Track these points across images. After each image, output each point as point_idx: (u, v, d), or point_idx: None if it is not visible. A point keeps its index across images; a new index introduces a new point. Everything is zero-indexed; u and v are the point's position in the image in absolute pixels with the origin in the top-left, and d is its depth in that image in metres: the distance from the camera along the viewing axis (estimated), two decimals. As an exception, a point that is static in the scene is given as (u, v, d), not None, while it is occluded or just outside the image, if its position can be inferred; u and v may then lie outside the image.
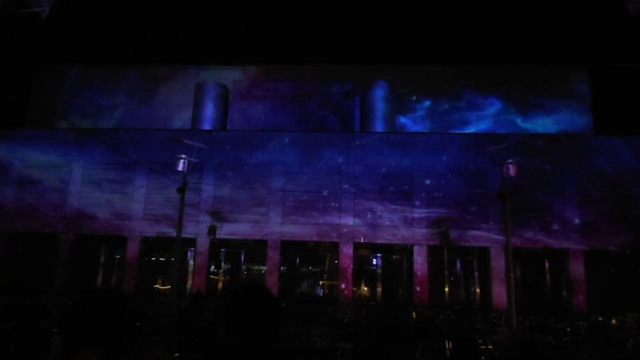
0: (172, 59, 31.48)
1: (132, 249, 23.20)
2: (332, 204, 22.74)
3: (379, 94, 27.36)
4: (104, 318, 1.93)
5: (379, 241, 22.76)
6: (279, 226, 22.63)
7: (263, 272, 23.35)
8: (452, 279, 24.17)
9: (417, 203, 22.48)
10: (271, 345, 2.01)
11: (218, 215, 22.90)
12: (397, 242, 22.79)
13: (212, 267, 24.31)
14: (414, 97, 28.09)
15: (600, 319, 17.27)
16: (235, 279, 24.81)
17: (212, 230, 22.43)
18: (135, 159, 23.71)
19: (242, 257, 24.95)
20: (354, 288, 23.11)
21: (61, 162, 24.18)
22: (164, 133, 24.18)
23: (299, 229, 22.58)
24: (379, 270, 23.92)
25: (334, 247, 23.14)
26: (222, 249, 24.66)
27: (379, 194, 22.68)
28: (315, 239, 23.06)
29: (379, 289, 23.57)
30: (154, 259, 24.69)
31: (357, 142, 23.90)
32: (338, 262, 22.97)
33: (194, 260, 23.18)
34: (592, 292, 20.89)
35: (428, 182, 22.64)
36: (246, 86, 28.97)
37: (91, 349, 1.84)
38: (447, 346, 9.19)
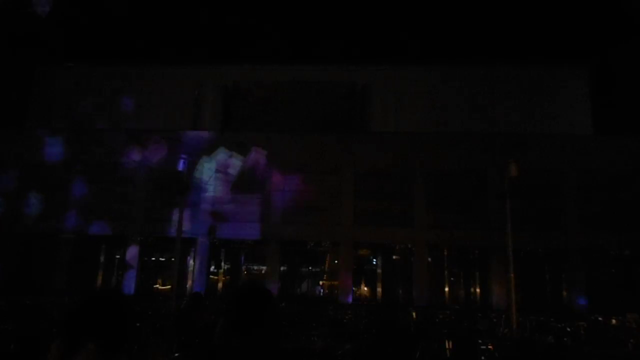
0: (172, 59, 31.49)
1: (132, 249, 23.21)
2: (332, 203, 22.74)
3: (379, 94, 27.36)
4: (103, 318, 1.93)
5: (379, 241, 22.77)
6: (279, 226, 22.63)
7: (263, 272, 23.36)
8: (452, 279, 24.15)
9: (416, 203, 22.48)
10: (271, 345, 2.01)
11: (218, 215, 22.90)
12: (397, 242, 22.79)
13: (212, 267, 24.32)
14: (414, 97, 28.08)
15: (600, 319, 17.25)
16: (235, 279, 24.80)
17: (212, 230, 22.43)
18: (135, 158, 23.72)
19: (242, 257, 24.95)
20: (354, 288, 23.11)
21: (61, 162, 24.16)
22: (164, 133, 24.23)
23: (299, 229, 22.57)
24: (379, 270, 23.91)
25: (334, 247, 23.15)
26: (222, 249, 24.67)
27: (379, 194, 22.69)
28: (315, 239, 23.07)
29: (379, 289, 23.56)
30: (154, 259, 24.69)
31: (357, 142, 23.90)
32: (338, 262, 22.97)
33: (194, 260, 23.18)
34: (592, 292, 20.89)
35: (428, 182, 22.64)
36: (246, 86, 28.99)
37: (89, 348, 1.84)
38: (447, 346, 9.18)
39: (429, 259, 22.67)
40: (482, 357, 8.62)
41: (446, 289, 23.45)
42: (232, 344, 1.98)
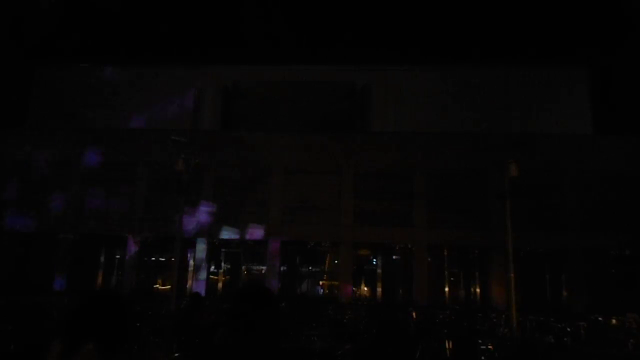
0: (172, 59, 31.48)
1: (132, 249, 23.21)
2: (332, 203, 22.74)
3: (379, 94, 27.37)
4: (103, 318, 1.93)
5: (379, 241, 22.77)
6: (279, 226, 22.62)
7: (263, 272, 23.36)
8: (452, 279, 24.16)
9: (416, 203, 22.48)
10: (271, 345, 2.01)
11: (218, 215, 22.89)
12: (397, 242, 22.79)
13: (212, 267, 24.32)
14: (414, 97, 28.09)
15: (600, 319, 17.24)
16: (235, 279, 24.81)
17: (212, 230, 22.39)
18: (135, 158, 23.73)
19: (242, 257, 24.95)
20: (354, 288, 23.11)
21: (61, 162, 24.16)
22: (164, 133, 24.21)
23: (299, 229, 22.57)
24: (379, 270, 23.91)
25: (334, 247, 23.14)
26: (222, 249, 24.67)
27: (379, 194, 22.69)
28: (315, 239, 23.05)
29: (379, 289, 23.57)
30: (154, 259, 24.69)
31: (357, 142, 23.90)
32: (338, 262, 22.97)
33: (194, 260, 23.18)
34: (592, 292, 20.88)
35: (428, 181, 22.64)
36: (246, 86, 29.00)
37: (88, 348, 1.84)
38: (447, 346, 9.18)
39: (429, 259, 22.66)
40: (482, 357, 8.62)
41: (446, 289, 23.46)
42: (232, 344, 1.98)
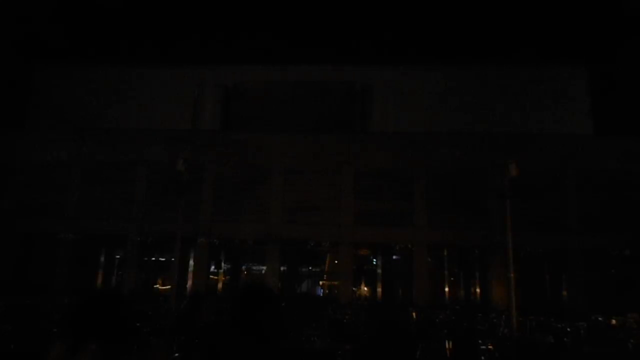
0: (172, 59, 31.49)
1: (132, 249, 23.20)
2: (332, 203, 22.74)
3: (379, 94, 27.36)
4: (103, 317, 1.93)
5: (379, 241, 22.77)
6: (279, 226, 22.63)
7: (263, 272, 23.37)
8: (452, 279, 24.16)
9: (417, 203, 22.48)
10: (271, 345, 2.01)
11: (218, 215, 22.89)
12: (397, 242, 22.79)
13: (212, 267, 24.32)
14: (414, 97, 28.10)
15: (600, 319, 17.22)
16: (235, 279, 24.82)
17: (212, 230, 22.38)
18: (135, 158, 23.73)
19: (242, 257, 24.95)
20: (354, 288, 23.11)
21: (61, 162, 24.16)
22: (164, 133, 24.24)
23: (299, 229, 22.57)
24: (379, 270, 23.92)
25: (334, 247, 23.15)
26: (222, 249, 24.67)
27: (379, 194, 22.69)
28: (315, 239, 23.06)
29: (379, 289, 23.57)
30: (154, 259, 24.69)
31: (357, 142, 23.90)
32: (338, 262, 22.97)
33: (194, 260, 23.18)
34: (592, 292, 20.88)
35: (428, 181, 22.64)
36: (246, 86, 29.00)
37: (91, 348, 1.84)
38: (447, 346, 9.17)
39: (429, 259, 22.66)
40: (482, 357, 8.61)
41: (446, 289, 23.46)
42: (233, 344, 1.98)
